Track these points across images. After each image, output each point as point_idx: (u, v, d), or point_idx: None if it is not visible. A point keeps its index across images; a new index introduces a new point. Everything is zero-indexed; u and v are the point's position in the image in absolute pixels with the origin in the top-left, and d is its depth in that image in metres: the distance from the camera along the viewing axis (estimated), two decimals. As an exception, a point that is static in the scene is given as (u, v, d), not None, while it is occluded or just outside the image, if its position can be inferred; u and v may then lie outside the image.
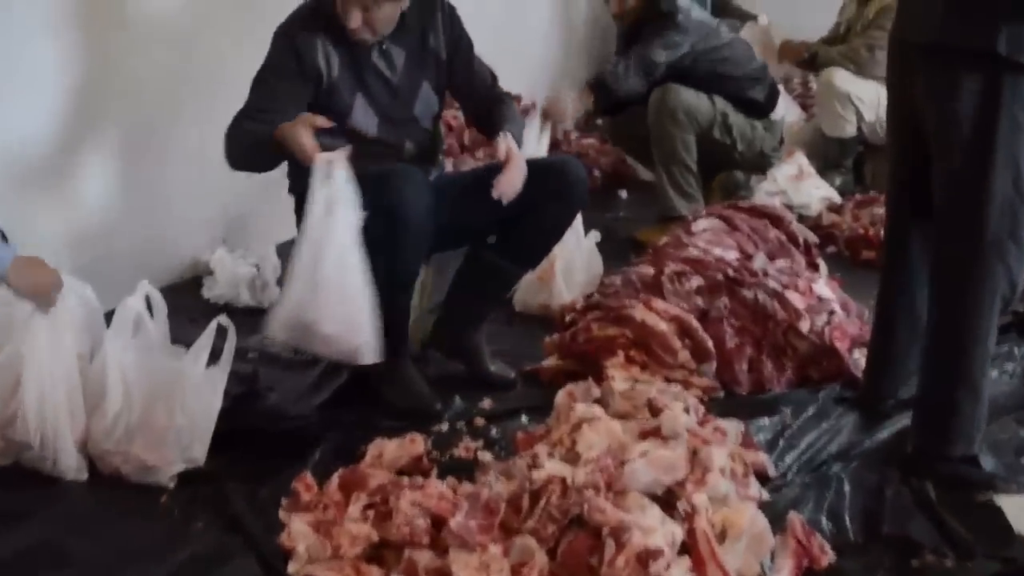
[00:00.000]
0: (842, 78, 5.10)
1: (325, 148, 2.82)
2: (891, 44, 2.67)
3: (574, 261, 3.64)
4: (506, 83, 3.20)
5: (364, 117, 2.89)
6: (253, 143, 2.73)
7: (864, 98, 5.08)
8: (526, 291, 3.59)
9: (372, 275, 2.66)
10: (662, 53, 4.26)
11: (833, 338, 3.13)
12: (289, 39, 2.82)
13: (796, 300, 3.19)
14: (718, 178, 4.73)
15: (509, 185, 2.77)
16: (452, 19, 3.02)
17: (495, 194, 2.74)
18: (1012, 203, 2.44)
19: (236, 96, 2.85)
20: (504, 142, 2.82)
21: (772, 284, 3.21)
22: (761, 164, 4.64)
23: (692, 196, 4.36)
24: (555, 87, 5.92)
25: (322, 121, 2.66)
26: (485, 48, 3.11)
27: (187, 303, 3.56)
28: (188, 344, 2.62)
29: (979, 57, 2.38)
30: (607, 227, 4.54)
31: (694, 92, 4.33)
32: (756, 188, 4.88)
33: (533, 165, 2.91)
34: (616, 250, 4.19)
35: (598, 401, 2.58)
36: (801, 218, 4.61)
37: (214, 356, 2.60)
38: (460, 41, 3.04)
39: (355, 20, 2.77)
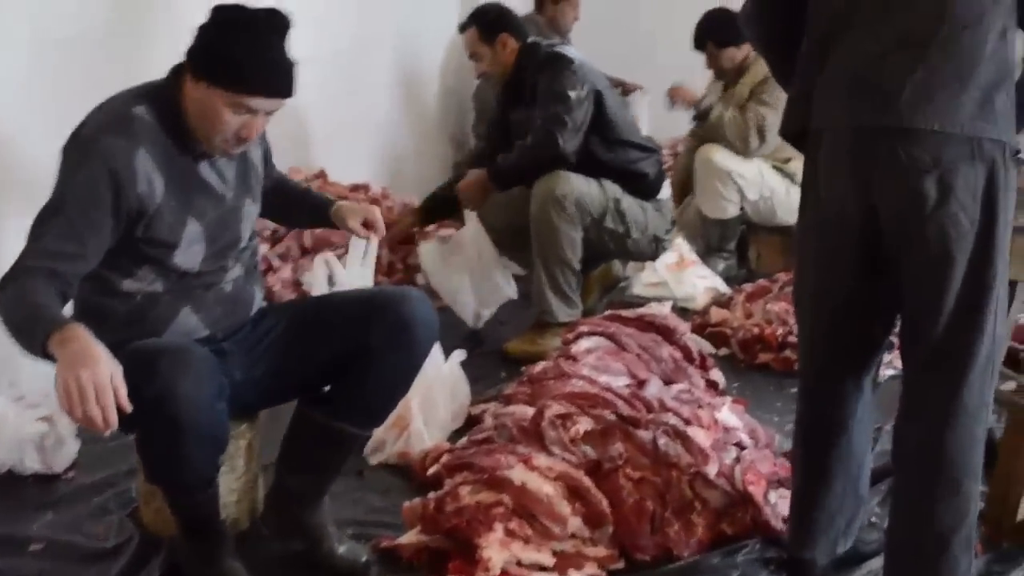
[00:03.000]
0: (722, 155, 4.70)
1: (126, 292, 2.24)
2: (838, 132, 2.14)
3: (435, 395, 3.07)
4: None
5: (190, 250, 2.26)
6: (23, 322, 1.97)
7: (746, 175, 4.69)
8: (379, 437, 2.99)
9: (157, 476, 2.11)
10: (569, 100, 3.77)
11: (746, 482, 2.64)
12: (101, 154, 2.11)
13: (701, 438, 2.70)
14: (596, 272, 4.21)
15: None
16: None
17: None
18: (1002, 310, 2.10)
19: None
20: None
21: (672, 420, 2.71)
22: (654, 251, 4.13)
23: (572, 301, 3.84)
24: (402, 171, 5.44)
25: (124, 401, 1.87)
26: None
27: (-40, 470, 2.90)
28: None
29: (980, 147, 2.01)
30: (471, 336, 4.04)
31: (583, 178, 3.81)
32: (634, 279, 4.43)
33: (361, 300, 2.42)
34: (484, 367, 3.67)
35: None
36: (685, 312, 4.20)
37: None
38: (268, 146, 2.57)
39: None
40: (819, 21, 2.20)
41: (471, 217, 3.93)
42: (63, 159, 2.16)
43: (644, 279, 4.39)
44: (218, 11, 2.18)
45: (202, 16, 2.20)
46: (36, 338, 1.90)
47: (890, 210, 2.09)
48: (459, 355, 3.30)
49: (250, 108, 2.16)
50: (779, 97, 4.54)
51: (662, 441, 2.62)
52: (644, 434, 2.64)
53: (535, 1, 6.29)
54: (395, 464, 2.97)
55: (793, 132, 2.28)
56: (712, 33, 4.88)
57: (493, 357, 3.84)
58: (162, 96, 2.22)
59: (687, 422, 2.73)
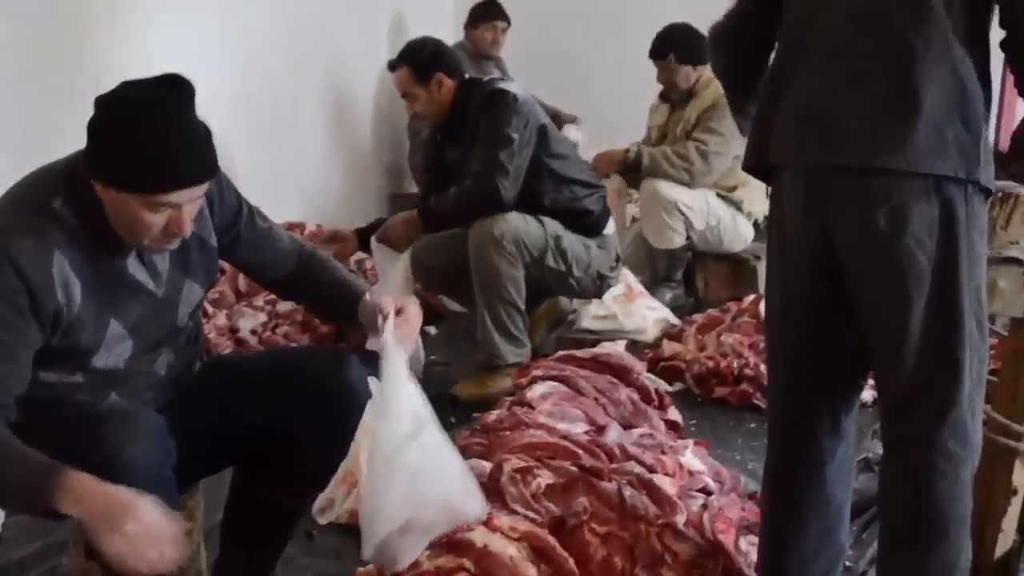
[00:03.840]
0: (668, 186, 4.63)
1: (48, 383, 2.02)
2: (794, 169, 2.08)
3: (385, 447, 2.92)
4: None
5: (113, 352, 2.04)
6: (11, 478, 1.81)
7: (693, 205, 4.65)
8: (328, 495, 2.81)
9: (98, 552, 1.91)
10: (512, 144, 3.63)
11: (716, 531, 2.53)
12: (12, 260, 1.86)
13: (667, 486, 2.59)
14: (542, 308, 4.09)
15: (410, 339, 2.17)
16: (221, 185, 2.18)
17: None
18: (979, 348, 2.00)
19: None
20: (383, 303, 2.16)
21: (636, 469, 2.59)
22: (599, 288, 4.03)
23: (520, 340, 3.72)
24: (337, 205, 5.30)
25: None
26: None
27: None
28: None
29: (937, 184, 1.94)
30: (416, 378, 3.89)
31: (522, 216, 3.70)
32: (582, 313, 4.32)
33: (279, 366, 2.26)
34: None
35: None
36: (636, 344, 4.11)
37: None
38: (238, 213, 2.25)
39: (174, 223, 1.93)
40: (778, 53, 2.16)
41: (398, 264, 3.78)
42: None
43: (592, 312, 4.29)
44: (104, 103, 1.89)
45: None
46: (33, 499, 1.80)
47: (846, 246, 2.03)
48: (407, 403, 3.15)
49: (171, 204, 1.89)
50: (726, 125, 4.50)
51: (627, 492, 2.50)
52: (608, 486, 2.52)
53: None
54: (346, 524, 2.81)
55: (753, 167, 2.22)
56: (676, 45, 4.75)
57: (441, 401, 3.64)
58: (82, 185, 1.93)
59: (651, 470, 2.63)
